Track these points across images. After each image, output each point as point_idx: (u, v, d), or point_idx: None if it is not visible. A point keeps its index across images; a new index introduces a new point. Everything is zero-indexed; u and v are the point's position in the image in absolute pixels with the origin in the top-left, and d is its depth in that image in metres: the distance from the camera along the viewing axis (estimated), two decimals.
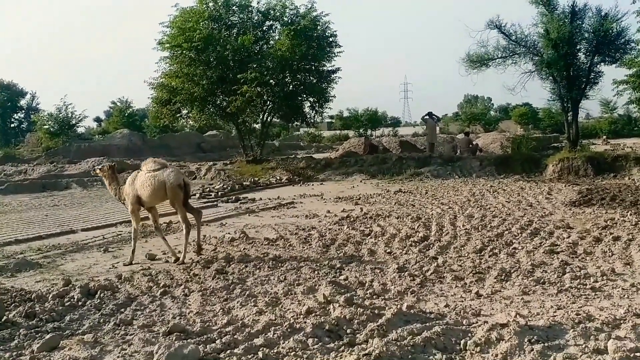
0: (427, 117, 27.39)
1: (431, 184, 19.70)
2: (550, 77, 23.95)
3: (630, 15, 23.40)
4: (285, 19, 27.18)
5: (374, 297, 6.41)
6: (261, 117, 28.65)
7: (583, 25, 23.46)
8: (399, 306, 5.73)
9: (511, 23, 24.53)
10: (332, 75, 28.17)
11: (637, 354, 4.45)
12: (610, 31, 23.10)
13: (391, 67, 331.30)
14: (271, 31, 28.10)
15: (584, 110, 26.70)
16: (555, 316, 5.48)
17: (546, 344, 4.71)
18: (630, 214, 11.47)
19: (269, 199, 16.51)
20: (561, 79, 23.50)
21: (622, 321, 5.31)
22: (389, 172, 22.56)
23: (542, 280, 6.97)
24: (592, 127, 49.88)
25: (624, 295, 6.28)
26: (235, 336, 5.07)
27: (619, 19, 23.22)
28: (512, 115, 68.78)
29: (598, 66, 24.25)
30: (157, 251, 9.40)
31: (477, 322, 5.37)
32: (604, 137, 41.98)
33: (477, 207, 13.41)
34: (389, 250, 9.06)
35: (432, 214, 12.58)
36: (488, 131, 51.59)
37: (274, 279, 7.45)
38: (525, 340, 4.75)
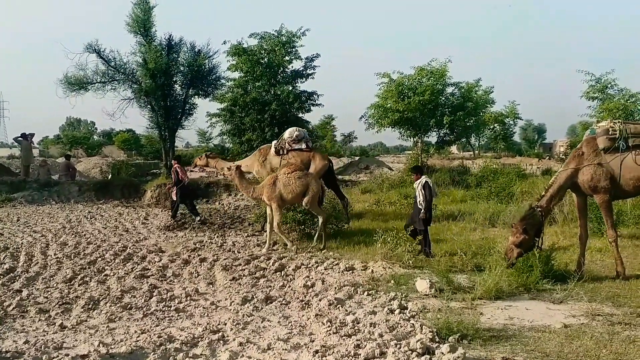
0: (20, 138, 25.26)
1: (25, 210, 18.17)
2: (149, 106, 24.67)
3: (221, 54, 25.86)
4: None
5: None
6: None
7: (179, 59, 24.93)
8: None
9: (110, 49, 24.53)
10: None
11: None
12: (203, 67, 25.09)
13: None
14: None
15: (182, 139, 28.27)
16: (138, 341, 5.62)
17: None
18: (217, 236, 12.57)
19: None
20: (159, 108, 24.39)
21: (199, 339, 5.75)
22: None
23: (129, 305, 7.08)
24: (190, 155, 53.10)
25: (204, 314, 6.81)
26: None
27: (210, 56, 25.39)
28: (115, 140, 68.62)
29: (193, 98, 26.04)
30: None
31: (58, 356, 5.17)
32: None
33: (73, 234, 12.94)
34: None
35: (22, 243, 11.66)
36: (91, 156, 50.42)
37: None
38: None
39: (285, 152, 13.51)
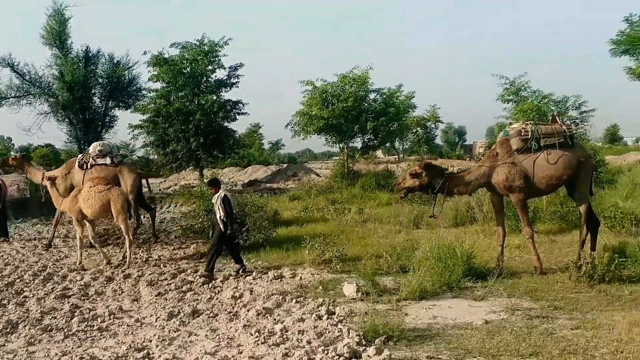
0: None
1: None
2: (67, 119, 24.01)
3: (141, 65, 25.42)
4: None
5: None
6: None
7: (97, 70, 24.34)
8: None
9: (25, 62, 23.74)
10: None
11: None
12: (123, 78, 24.58)
13: None
14: None
15: None
16: None
17: None
18: (142, 251, 12.22)
19: None
20: (77, 121, 23.78)
21: (124, 358, 5.62)
22: None
23: (50, 327, 6.82)
24: None
25: (129, 332, 6.63)
26: None
27: (130, 67, 24.94)
28: (33, 156, 65.94)
29: (113, 110, 25.49)
30: None
31: None
32: None
33: None
34: None
35: None
36: (8, 173, 48.18)
37: None
38: None
39: (89, 167, 13.38)
